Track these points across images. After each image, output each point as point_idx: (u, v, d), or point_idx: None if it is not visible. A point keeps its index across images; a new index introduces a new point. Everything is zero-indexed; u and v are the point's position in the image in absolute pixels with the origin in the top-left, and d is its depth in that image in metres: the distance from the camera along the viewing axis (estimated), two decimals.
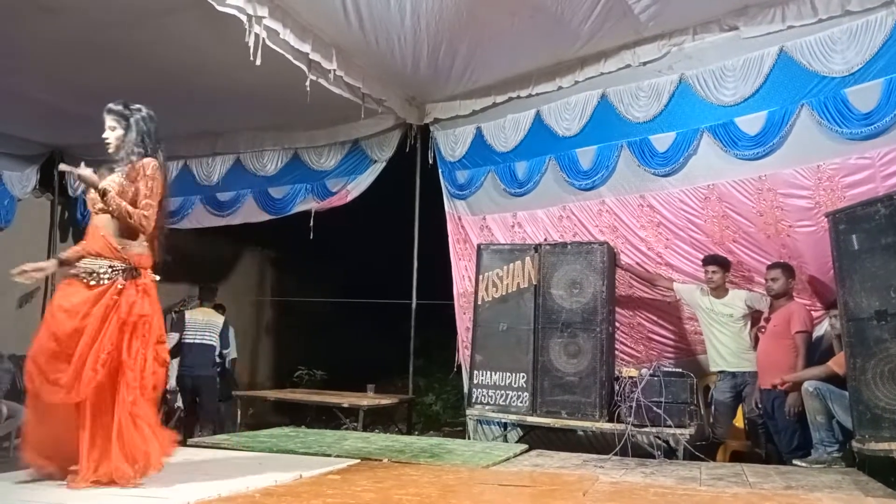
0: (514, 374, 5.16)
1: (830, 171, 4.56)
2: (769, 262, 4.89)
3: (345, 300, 9.93)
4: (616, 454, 4.45)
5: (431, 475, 3.47)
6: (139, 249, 3.15)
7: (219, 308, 7.19)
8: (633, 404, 4.60)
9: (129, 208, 3.08)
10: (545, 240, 5.65)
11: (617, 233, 5.56)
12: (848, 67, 4.49)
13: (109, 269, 3.05)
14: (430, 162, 6.69)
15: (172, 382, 6.55)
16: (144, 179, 3.12)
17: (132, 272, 3.09)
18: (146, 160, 3.16)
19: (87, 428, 2.89)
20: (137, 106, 3.25)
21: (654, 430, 4.53)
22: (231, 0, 4.32)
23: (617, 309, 5.45)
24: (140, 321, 3.03)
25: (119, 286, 3.03)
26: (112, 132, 3.20)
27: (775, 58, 4.81)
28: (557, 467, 3.98)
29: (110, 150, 3.21)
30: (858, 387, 3.78)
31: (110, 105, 3.22)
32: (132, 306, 3.02)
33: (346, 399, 6.29)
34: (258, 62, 4.52)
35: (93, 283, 3.03)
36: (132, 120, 3.20)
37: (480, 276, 5.48)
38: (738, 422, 5.11)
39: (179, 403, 7.39)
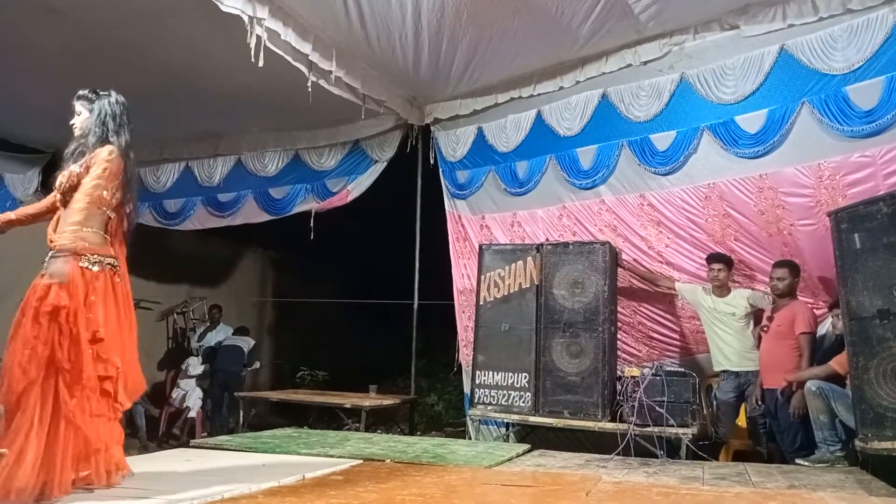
0: (516, 375, 5.16)
1: (831, 170, 4.55)
2: (771, 261, 4.89)
3: (347, 300, 9.94)
4: (619, 454, 4.45)
5: (434, 476, 3.48)
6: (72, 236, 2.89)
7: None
8: (636, 404, 4.60)
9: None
10: (546, 239, 5.65)
11: (617, 232, 5.56)
12: (849, 65, 4.49)
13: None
14: (431, 162, 6.69)
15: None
16: (98, 163, 3.00)
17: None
18: (103, 147, 3.05)
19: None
20: (107, 92, 3.21)
21: (656, 429, 4.53)
22: (232, 1, 4.33)
23: (618, 308, 5.44)
24: (55, 312, 2.74)
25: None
26: (78, 117, 3.18)
27: (776, 56, 4.80)
28: (560, 467, 3.98)
29: (76, 134, 3.16)
30: (861, 386, 3.77)
31: (79, 91, 3.19)
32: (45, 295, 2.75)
33: (348, 400, 6.29)
34: (260, 64, 4.53)
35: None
36: (97, 104, 3.16)
37: (482, 276, 5.47)
38: (741, 421, 5.10)
39: (189, 404, 7.65)
